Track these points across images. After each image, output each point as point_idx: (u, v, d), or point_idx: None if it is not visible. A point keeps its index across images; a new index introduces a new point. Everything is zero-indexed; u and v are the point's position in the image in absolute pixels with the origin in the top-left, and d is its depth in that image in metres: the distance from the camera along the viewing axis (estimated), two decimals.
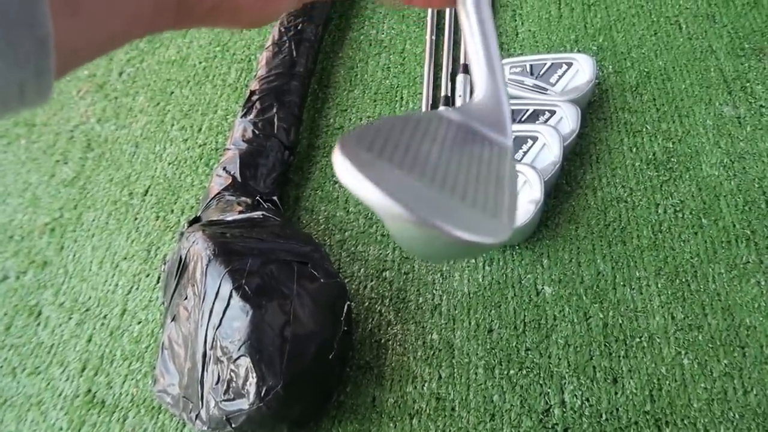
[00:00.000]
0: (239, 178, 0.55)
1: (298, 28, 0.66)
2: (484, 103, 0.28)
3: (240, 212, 0.51)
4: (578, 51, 0.65)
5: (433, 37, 0.69)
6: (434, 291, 0.52)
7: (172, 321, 0.46)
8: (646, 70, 0.63)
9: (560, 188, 0.56)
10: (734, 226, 0.51)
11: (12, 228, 0.65)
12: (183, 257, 0.46)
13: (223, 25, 0.24)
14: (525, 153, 0.54)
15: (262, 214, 0.51)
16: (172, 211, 0.63)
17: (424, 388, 0.48)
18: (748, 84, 0.59)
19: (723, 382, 0.45)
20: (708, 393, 0.44)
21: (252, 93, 0.62)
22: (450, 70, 0.66)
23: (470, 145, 0.27)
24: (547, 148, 0.54)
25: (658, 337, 0.47)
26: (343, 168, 0.19)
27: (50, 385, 0.53)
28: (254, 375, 0.40)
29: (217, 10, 0.23)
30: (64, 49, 0.17)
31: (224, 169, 0.56)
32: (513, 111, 0.58)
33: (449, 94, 0.64)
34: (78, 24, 0.18)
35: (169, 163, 0.66)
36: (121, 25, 0.20)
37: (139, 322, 0.55)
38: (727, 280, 0.49)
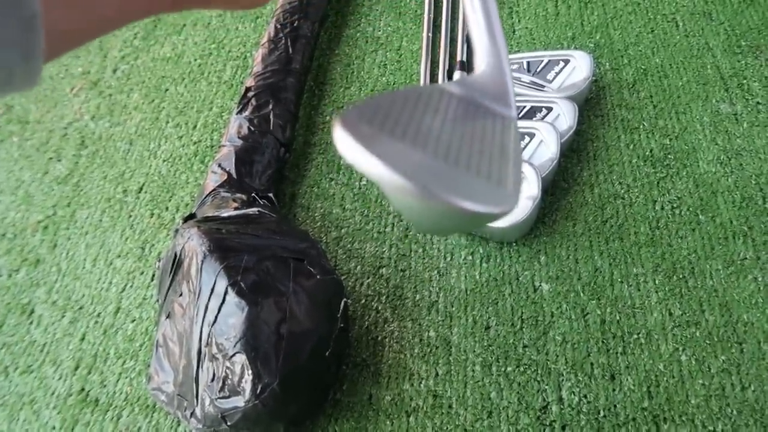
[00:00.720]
0: (235, 175, 0.55)
1: (294, 24, 0.66)
2: (486, 75, 0.28)
3: (235, 209, 0.50)
4: (575, 48, 0.65)
5: (430, 35, 0.69)
6: (431, 288, 0.52)
7: (166, 318, 0.46)
8: (643, 67, 0.63)
9: (557, 185, 0.56)
10: (731, 222, 0.51)
11: (4, 226, 0.64)
12: (178, 254, 0.46)
13: (219, 4, 0.23)
14: (522, 150, 0.54)
15: (258, 211, 0.50)
16: (167, 208, 0.62)
17: (421, 385, 0.47)
18: (744, 81, 0.59)
19: (721, 378, 0.44)
20: (706, 389, 0.44)
21: (248, 89, 0.61)
22: (447, 67, 0.66)
23: (472, 118, 0.26)
24: (544, 145, 0.54)
25: (655, 334, 0.47)
26: (346, 143, 0.19)
27: (43, 384, 0.53)
28: (250, 372, 0.40)
29: None
30: (54, 32, 0.17)
31: (219, 165, 0.56)
32: None
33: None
34: (68, 6, 0.17)
35: (164, 161, 0.66)
36: (114, 7, 0.20)
37: (133, 320, 0.55)
38: (724, 276, 0.49)
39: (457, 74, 0.64)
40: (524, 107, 0.58)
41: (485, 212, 0.19)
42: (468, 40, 0.68)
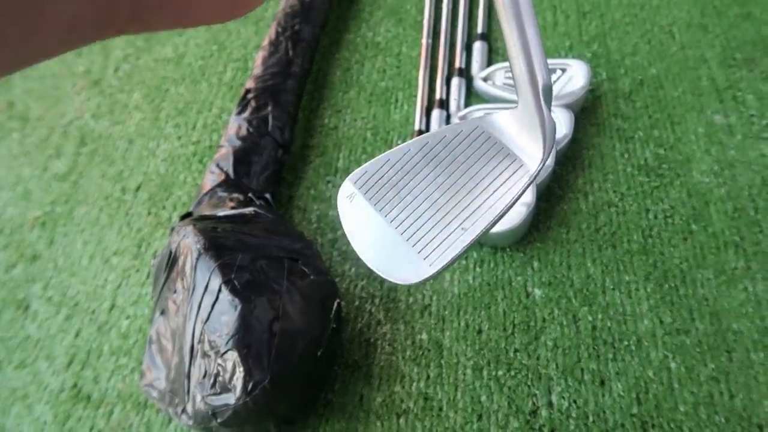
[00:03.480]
0: (232, 175, 0.55)
1: (295, 28, 0.67)
2: (522, 115, 0.27)
3: (232, 208, 0.51)
4: (573, 57, 0.66)
5: (429, 41, 0.70)
6: (424, 291, 0.52)
7: (160, 315, 0.46)
8: (639, 77, 0.63)
9: (552, 192, 0.56)
10: (723, 232, 0.52)
11: (2, 221, 0.65)
12: (173, 251, 0.46)
13: (196, 21, 0.22)
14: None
15: (254, 210, 0.51)
16: (164, 207, 0.62)
17: (412, 387, 0.48)
18: (739, 93, 0.60)
19: (710, 387, 0.45)
20: (694, 397, 0.44)
21: (247, 91, 0.62)
22: (445, 73, 0.67)
23: (482, 164, 0.28)
24: None
25: (646, 341, 0.47)
26: (338, 206, 0.28)
27: (36, 379, 0.53)
28: (241, 369, 0.40)
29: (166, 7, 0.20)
30: None
31: (217, 165, 0.56)
32: None
33: (444, 97, 0.64)
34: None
35: (163, 160, 0.66)
36: (44, 46, 0.17)
37: (128, 318, 0.55)
38: (715, 285, 0.49)
39: (455, 80, 0.65)
40: None
41: (390, 281, 0.27)
42: (467, 48, 0.69)
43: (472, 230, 0.27)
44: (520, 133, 0.27)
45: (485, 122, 0.28)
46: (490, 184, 0.27)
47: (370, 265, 0.26)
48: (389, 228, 0.27)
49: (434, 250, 0.26)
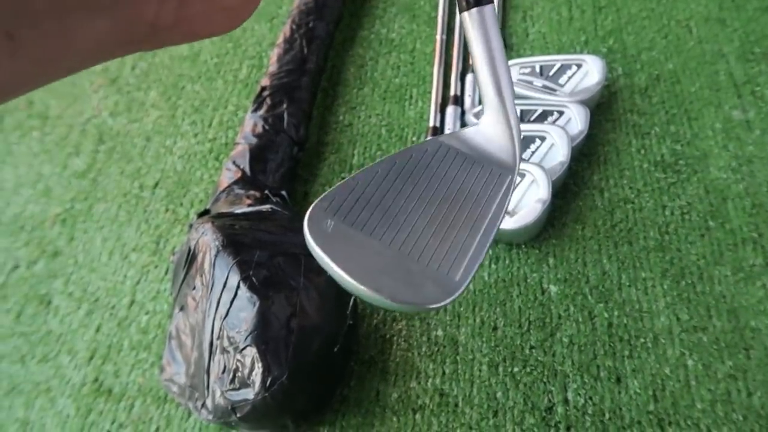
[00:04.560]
0: (249, 172, 0.56)
1: (310, 25, 0.67)
2: (490, 124, 0.28)
3: (249, 205, 0.51)
4: (588, 52, 0.65)
5: (444, 37, 0.70)
6: None
7: (180, 311, 0.47)
8: (655, 72, 0.63)
9: (567, 188, 0.56)
10: (741, 229, 0.51)
11: (24, 218, 0.66)
12: (192, 248, 0.47)
13: (200, 35, 0.23)
14: (533, 152, 0.55)
15: (271, 208, 0.51)
16: (182, 204, 0.63)
17: (428, 383, 0.48)
18: (758, 88, 0.59)
19: (727, 384, 0.45)
20: (712, 394, 0.44)
21: (263, 89, 0.62)
22: (460, 69, 0.67)
23: (462, 177, 0.27)
24: (555, 148, 0.54)
25: (662, 338, 0.47)
26: (309, 241, 0.23)
27: (58, 373, 0.54)
28: (260, 365, 0.41)
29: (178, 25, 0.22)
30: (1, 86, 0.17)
31: (234, 162, 0.57)
32: (522, 111, 0.59)
33: (458, 94, 0.64)
34: (17, 65, 0.17)
35: (179, 157, 0.67)
36: (71, 62, 0.19)
37: (147, 313, 0.56)
38: (733, 282, 0.49)
39: (469, 77, 0.65)
40: (536, 111, 0.58)
41: (423, 309, 0.23)
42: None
43: (482, 237, 0.26)
44: (487, 145, 0.28)
45: (448, 139, 0.28)
46: (476, 194, 0.27)
47: (391, 301, 0.22)
48: (390, 250, 0.24)
49: (453, 262, 0.24)
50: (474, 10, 0.27)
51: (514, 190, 0.28)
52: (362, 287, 0.22)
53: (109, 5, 0.19)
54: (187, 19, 0.21)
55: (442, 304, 0.23)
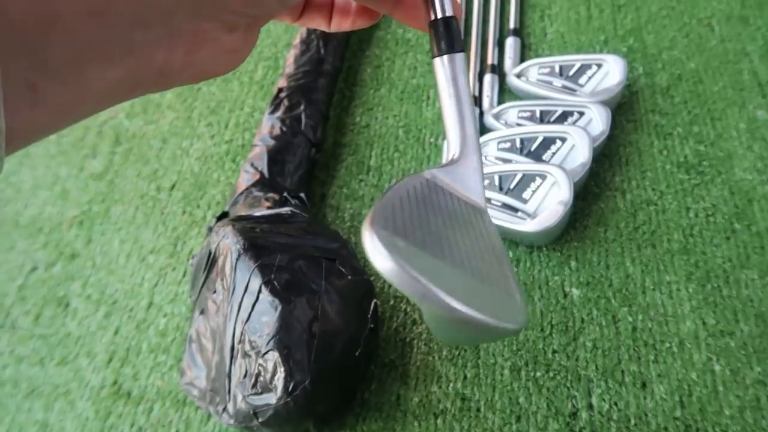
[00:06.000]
0: (267, 175, 0.55)
1: None
2: (459, 164, 0.29)
3: (268, 208, 0.51)
4: (608, 52, 0.64)
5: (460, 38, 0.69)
6: None
7: (200, 314, 0.46)
8: (677, 72, 0.62)
9: (589, 190, 0.55)
10: None
11: (42, 220, 0.66)
12: (212, 251, 0.46)
13: (205, 76, 0.24)
14: (554, 154, 0.54)
15: (290, 210, 0.51)
16: (198, 206, 0.63)
17: (449, 387, 0.47)
18: None
19: (756, 390, 0.44)
20: (740, 400, 0.43)
21: (280, 90, 0.62)
22: (478, 70, 0.66)
23: (458, 209, 0.27)
24: (576, 149, 0.54)
25: (688, 343, 0.46)
26: (380, 259, 0.19)
27: (77, 376, 0.54)
28: (282, 370, 0.40)
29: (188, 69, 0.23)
30: (20, 133, 0.18)
31: (252, 165, 0.56)
32: (542, 111, 0.58)
33: (476, 95, 0.64)
34: (38, 113, 0.18)
35: (196, 159, 0.67)
36: (87, 108, 0.21)
37: (165, 316, 0.56)
38: (760, 286, 0.48)
39: (488, 77, 0.64)
40: (556, 111, 0.57)
41: (508, 329, 0.20)
42: (499, 44, 0.68)
43: (507, 264, 0.26)
44: (459, 186, 0.28)
45: (429, 176, 0.28)
46: (478, 227, 0.27)
47: (484, 318, 0.19)
48: (458, 272, 0.22)
49: (509, 286, 0.23)
50: (445, 56, 0.28)
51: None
52: (470, 312, 0.19)
53: (122, 56, 0.20)
54: (194, 64, 0.23)
55: (523, 325, 0.21)
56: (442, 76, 0.29)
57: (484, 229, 0.27)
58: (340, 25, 0.32)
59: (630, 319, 0.48)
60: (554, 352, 0.48)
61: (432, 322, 0.21)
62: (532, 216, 0.51)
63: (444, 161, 0.29)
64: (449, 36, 0.28)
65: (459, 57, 0.28)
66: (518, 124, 0.58)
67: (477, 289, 0.22)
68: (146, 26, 0.20)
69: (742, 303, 0.47)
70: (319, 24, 0.32)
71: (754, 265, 0.49)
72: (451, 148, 0.29)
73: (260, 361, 0.41)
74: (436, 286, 0.18)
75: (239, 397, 0.42)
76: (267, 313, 0.42)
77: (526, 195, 0.51)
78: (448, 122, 0.29)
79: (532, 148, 0.55)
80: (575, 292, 0.50)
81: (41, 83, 0.18)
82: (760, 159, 0.54)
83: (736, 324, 0.47)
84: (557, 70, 0.61)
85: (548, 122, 0.57)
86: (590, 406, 0.45)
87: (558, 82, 0.60)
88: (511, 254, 0.53)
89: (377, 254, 0.19)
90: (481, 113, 0.62)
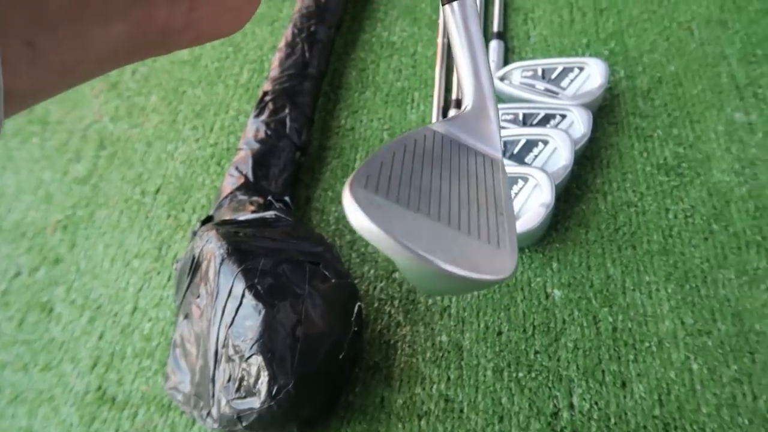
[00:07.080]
0: (251, 178, 0.55)
1: (311, 29, 0.67)
2: (472, 115, 0.28)
3: (252, 212, 0.51)
4: (590, 55, 0.65)
5: (445, 40, 0.70)
6: None
7: (184, 319, 0.47)
8: (657, 75, 0.63)
9: (570, 192, 0.56)
10: (745, 232, 0.51)
11: (25, 225, 0.66)
12: (196, 256, 0.47)
13: (204, 39, 0.24)
14: (536, 156, 0.55)
15: (275, 214, 0.51)
16: (183, 209, 0.63)
17: (433, 389, 0.48)
18: (760, 90, 0.59)
19: (732, 388, 0.45)
20: (717, 398, 0.44)
21: (265, 93, 0.62)
22: None
23: (465, 162, 0.27)
24: (557, 152, 0.54)
25: (667, 342, 0.47)
26: (356, 216, 0.20)
27: (61, 381, 0.54)
28: (266, 374, 0.40)
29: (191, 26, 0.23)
30: (20, 93, 0.17)
31: (236, 168, 0.57)
32: (524, 114, 0.59)
33: (460, 98, 0.64)
34: (37, 72, 0.18)
35: (181, 162, 0.67)
36: (87, 69, 0.20)
37: (150, 320, 0.56)
38: (737, 286, 0.49)
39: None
40: (538, 114, 0.58)
41: (490, 281, 0.21)
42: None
43: (509, 217, 0.25)
44: (473, 134, 0.28)
45: (438, 127, 0.28)
46: (483, 179, 0.27)
47: (460, 271, 0.20)
48: (439, 225, 0.22)
49: (499, 237, 0.23)
50: (455, 2, 0.28)
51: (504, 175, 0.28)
52: (445, 266, 0.19)
53: (123, 10, 0.19)
54: (195, 22, 0.22)
55: (505, 276, 0.22)
56: (453, 25, 0.28)
57: (491, 180, 0.27)
58: None
59: (610, 319, 0.49)
60: (536, 352, 0.48)
61: (410, 276, 0.22)
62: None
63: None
64: None
65: (469, 2, 0.28)
66: (501, 127, 0.59)
67: (458, 242, 0.22)
68: None
69: (720, 303, 0.48)
70: None
71: (732, 265, 0.50)
72: (465, 98, 0.29)
73: (244, 365, 0.41)
74: (408, 241, 0.19)
75: (223, 402, 0.42)
76: (250, 318, 0.42)
77: None
78: (462, 71, 0.28)
79: (515, 151, 0.55)
80: (557, 293, 0.51)
81: (39, 40, 0.17)
82: (737, 161, 0.55)
83: (713, 323, 0.47)
84: (540, 73, 0.61)
85: (531, 125, 0.58)
86: (571, 406, 0.46)
87: (540, 85, 0.61)
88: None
89: (352, 212, 0.20)
90: None
